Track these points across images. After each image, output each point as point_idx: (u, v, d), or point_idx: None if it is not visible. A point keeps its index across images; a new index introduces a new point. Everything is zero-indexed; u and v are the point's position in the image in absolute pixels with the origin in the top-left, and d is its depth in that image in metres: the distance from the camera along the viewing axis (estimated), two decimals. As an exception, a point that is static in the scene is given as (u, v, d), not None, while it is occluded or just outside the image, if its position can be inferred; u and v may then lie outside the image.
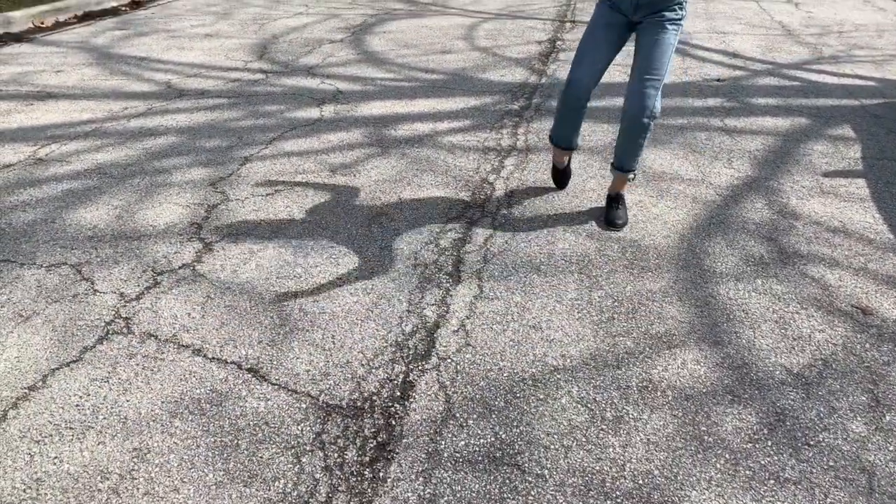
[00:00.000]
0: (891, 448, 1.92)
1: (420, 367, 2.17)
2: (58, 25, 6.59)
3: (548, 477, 1.82)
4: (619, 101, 4.55)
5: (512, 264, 2.76)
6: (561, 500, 1.76)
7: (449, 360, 2.21)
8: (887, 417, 2.02)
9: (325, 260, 2.77)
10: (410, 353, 2.24)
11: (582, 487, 1.79)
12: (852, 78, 5.37)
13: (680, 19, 2.81)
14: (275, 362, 2.19)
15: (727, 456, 1.89)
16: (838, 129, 4.30)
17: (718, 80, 5.25)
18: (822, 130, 4.27)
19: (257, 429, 1.94)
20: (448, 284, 2.62)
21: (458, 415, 1.99)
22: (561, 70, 5.35)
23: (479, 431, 1.94)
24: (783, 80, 5.29)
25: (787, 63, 5.73)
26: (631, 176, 3.07)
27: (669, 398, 2.08)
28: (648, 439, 1.93)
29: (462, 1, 7.91)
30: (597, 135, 4.09)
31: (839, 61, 5.83)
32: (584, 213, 3.18)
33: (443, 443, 1.90)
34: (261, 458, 1.85)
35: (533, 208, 3.22)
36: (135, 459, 1.84)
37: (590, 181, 3.52)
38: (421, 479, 1.80)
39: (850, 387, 2.14)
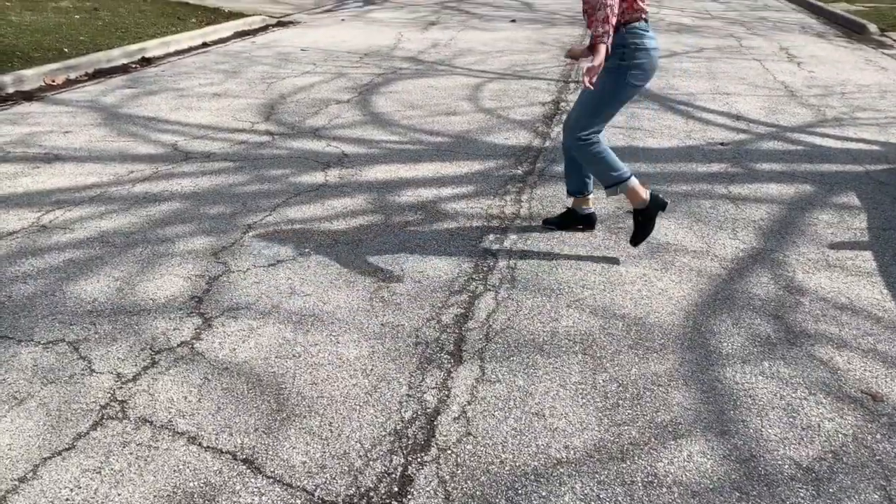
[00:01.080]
0: (906, 554, 1.85)
1: (419, 460, 2.12)
2: (69, 83, 6.70)
3: (550, 585, 1.75)
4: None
5: (514, 343, 2.72)
6: None
7: (449, 452, 2.16)
8: (902, 519, 1.95)
9: (325, 338, 2.74)
10: (409, 442, 2.19)
11: None
12: (856, 142, 5.38)
13: (616, 68, 3.11)
14: (270, 452, 2.14)
15: (736, 562, 1.82)
16: (843, 196, 4.29)
17: (722, 143, 5.27)
18: (827, 198, 4.26)
19: (250, 528, 1.89)
20: (449, 365, 2.58)
21: (457, 514, 1.94)
22: (565, 133, 5.38)
23: (479, 533, 1.88)
24: (787, 143, 5.31)
25: (790, 126, 5.76)
26: (608, 193, 3.38)
27: (675, 495, 2.01)
28: (654, 542, 1.87)
29: (468, 60, 8.02)
30: (598, 203, 4.09)
31: (842, 124, 5.86)
32: (588, 287, 3.15)
33: (441, 545, 1.84)
34: (253, 560, 1.79)
35: (536, 281, 3.20)
36: (123, 561, 1.79)
37: (594, 252, 3.50)
38: (418, 586, 1.74)
39: (861, 483, 2.08)
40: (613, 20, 2.96)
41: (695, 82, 7.20)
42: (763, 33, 10.81)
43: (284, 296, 3.04)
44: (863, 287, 3.21)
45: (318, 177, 4.44)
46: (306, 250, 3.47)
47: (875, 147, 5.28)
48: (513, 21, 10.97)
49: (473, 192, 4.24)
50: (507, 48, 8.82)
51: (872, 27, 11.25)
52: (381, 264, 3.34)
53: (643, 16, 3.13)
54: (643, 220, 3.37)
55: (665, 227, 3.78)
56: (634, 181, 3.33)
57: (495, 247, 3.54)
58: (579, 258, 3.43)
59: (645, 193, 3.34)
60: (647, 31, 3.15)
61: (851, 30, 11.55)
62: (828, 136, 5.52)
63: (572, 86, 6.89)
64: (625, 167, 3.32)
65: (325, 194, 4.17)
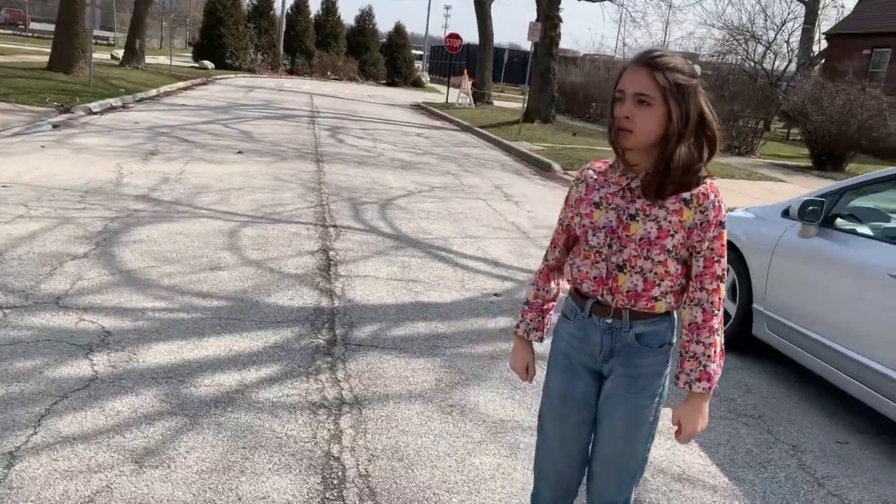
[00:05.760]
0: None
1: None
2: None
3: None
4: None
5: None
6: None
7: None
8: None
9: None
10: None
11: None
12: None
13: (661, 376, 2.02)
14: None
15: None
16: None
17: (496, 294, 5.52)
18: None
19: None
20: None
21: None
22: (348, 288, 5.20)
23: None
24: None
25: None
26: None
27: None
28: None
29: (209, 199, 7.48)
30: (417, 376, 3.94)
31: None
32: (455, 492, 2.94)
33: None
34: None
35: (400, 492, 2.90)
36: None
37: (454, 450, 3.31)
38: None
39: None
40: None
41: (442, 225, 7.55)
42: (473, 170, 11.89)
43: (100, 564, 2.33)
44: (684, 451, 3.47)
45: (83, 367, 3.63)
46: (104, 483, 2.75)
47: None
48: (240, 153, 10.62)
49: (280, 374, 3.82)
50: (246, 185, 8.45)
51: (557, 166, 13.07)
52: (210, 492, 2.77)
53: None
54: None
55: (491, 401, 3.75)
56: None
57: (335, 448, 3.17)
58: (438, 457, 3.22)
59: None
60: None
61: (540, 167, 13.28)
62: (577, 281, 6.10)
63: (332, 231, 6.78)
64: None
65: (101, 393, 3.42)
